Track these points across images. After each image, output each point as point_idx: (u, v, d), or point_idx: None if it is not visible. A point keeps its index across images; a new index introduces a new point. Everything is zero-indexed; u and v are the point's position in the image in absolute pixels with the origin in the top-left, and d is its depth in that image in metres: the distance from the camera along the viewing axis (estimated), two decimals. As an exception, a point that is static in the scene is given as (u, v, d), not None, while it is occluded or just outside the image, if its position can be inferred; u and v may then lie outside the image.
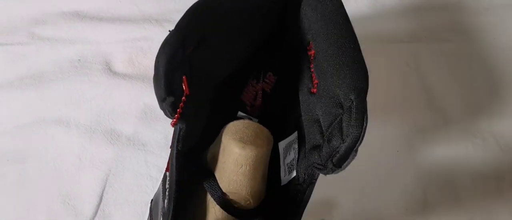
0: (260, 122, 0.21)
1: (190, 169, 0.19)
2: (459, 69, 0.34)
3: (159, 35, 0.32)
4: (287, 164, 0.21)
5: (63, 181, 0.27)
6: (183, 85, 0.15)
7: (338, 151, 0.15)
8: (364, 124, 0.14)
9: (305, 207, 0.19)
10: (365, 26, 0.34)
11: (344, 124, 0.15)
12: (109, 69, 0.32)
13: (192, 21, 0.15)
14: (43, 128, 0.29)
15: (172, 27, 0.31)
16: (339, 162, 0.15)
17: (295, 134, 0.21)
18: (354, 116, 0.14)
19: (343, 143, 0.15)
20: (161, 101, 0.14)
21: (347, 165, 0.15)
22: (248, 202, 0.19)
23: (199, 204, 0.20)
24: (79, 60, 0.32)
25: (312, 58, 0.17)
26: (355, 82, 0.15)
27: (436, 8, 0.38)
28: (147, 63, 0.32)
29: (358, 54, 0.15)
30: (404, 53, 0.35)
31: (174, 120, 0.15)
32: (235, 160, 0.18)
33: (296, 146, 0.21)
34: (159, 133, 0.29)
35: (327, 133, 0.16)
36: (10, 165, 0.27)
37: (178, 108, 0.15)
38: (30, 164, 0.27)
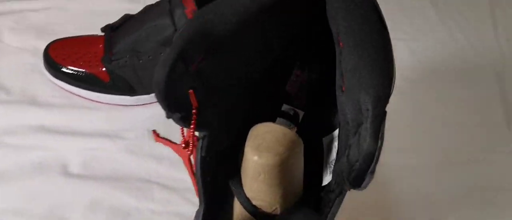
0: (306, 114, 0.20)
1: (223, 170, 0.19)
2: None
3: (112, 146, 0.43)
4: (328, 163, 0.19)
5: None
6: (190, 99, 0.14)
7: (354, 169, 0.14)
8: (379, 142, 0.13)
9: None
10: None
11: (360, 139, 0.13)
12: (65, 171, 0.41)
13: (191, 35, 0.14)
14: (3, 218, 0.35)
15: (121, 142, 0.43)
16: (355, 181, 0.14)
17: (337, 131, 0.19)
18: (368, 130, 0.13)
19: (357, 162, 0.13)
20: (169, 117, 0.14)
21: (365, 186, 0.14)
22: (274, 208, 0.18)
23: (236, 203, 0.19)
24: (39, 163, 0.41)
25: (340, 51, 0.15)
26: (373, 88, 0.13)
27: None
28: (98, 166, 0.42)
29: (381, 53, 0.13)
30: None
31: (191, 130, 0.15)
32: (253, 168, 0.17)
33: (336, 144, 0.19)
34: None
35: (349, 143, 0.15)
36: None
37: (191, 121, 0.15)
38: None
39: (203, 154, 0.17)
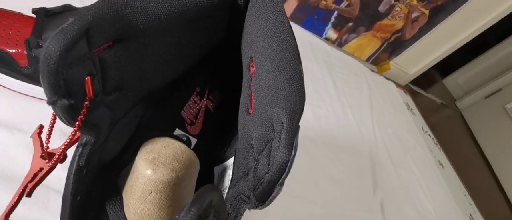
0: (198, 142, 0.18)
1: (99, 188, 0.16)
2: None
3: (8, 139, 0.37)
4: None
5: None
6: (86, 86, 0.12)
7: (261, 182, 0.13)
8: (293, 152, 0.12)
9: None
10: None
11: (272, 151, 0.13)
12: None
13: (106, 12, 0.12)
14: None
15: (20, 135, 0.37)
16: (261, 195, 0.13)
17: (231, 160, 0.18)
18: (282, 141, 0.12)
19: (267, 173, 0.13)
20: (51, 103, 0.12)
21: (271, 200, 0.13)
22: None
23: None
24: None
25: (253, 75, 0.15)
26: (289, 103, 0.13)
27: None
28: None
29: (297, 74, 0.14)
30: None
31: (75, 128, 0.12)
32: (144, 185, 0.15)
33: (230, 173, 0.18)
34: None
35: (256, 159, 0.14)
36: None
37: (79, 115, 0.12)
38: None
39: (81, 164, 0.14)
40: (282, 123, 0.13)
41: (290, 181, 0.58)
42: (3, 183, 0.34)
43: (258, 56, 0.15)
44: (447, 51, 1.28)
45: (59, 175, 0.37)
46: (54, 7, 0.41)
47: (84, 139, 0.14)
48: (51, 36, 0.11)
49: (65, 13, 0.40)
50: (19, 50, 0.38)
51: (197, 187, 0.17)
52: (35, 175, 0.18)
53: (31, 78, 0.39)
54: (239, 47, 0.17)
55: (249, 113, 0.16)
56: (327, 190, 0.63)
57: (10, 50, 0.38)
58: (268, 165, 0.13)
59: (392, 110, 1.08)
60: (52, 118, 0.14)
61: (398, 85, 1.26)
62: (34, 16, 0.40)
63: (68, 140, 0.14)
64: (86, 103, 0.12)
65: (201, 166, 0.17)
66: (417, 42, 1.22)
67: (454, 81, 2.01)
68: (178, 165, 0.15)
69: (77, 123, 0.12)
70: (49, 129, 0.15)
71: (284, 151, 0.12)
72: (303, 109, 0.14)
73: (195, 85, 0.20)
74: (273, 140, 0.13)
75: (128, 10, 0.13)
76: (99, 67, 0.13)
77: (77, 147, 0.14)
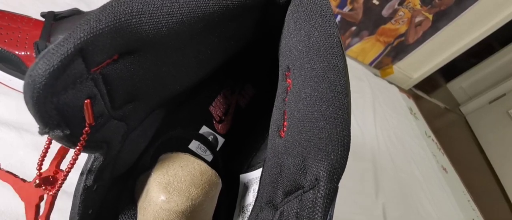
0: (226, 142, 0.16)
1: (114, 197, 0.15)
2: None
3: (16, 140, 0.38)
4: (242, 206, 0.15)
5: None
6: (85, 111, 0.10)
7: None
8: None
9: None
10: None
11: (303, 210, 0.10)
12: None
13: (104, 28, 0.10)
14: None
15: (29, 136, 0.38)
16: None
17: (259, 172, 0.15)
18: (318, 209, 0.10)
19: None
20: (42, 134, 0.10)
21: None
22: None
23: None
24: None
25: (289, 88, 0.13)
26: (329, 155, 0.11)
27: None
28: (-9, 159, 0.35)
29: (343, 114, 0.11)
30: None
31: (76, 151, 0.11)
32: (156, 212, 0.13)
33: (256, 188, 0.15)
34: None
35: (284, 201, 0.12)
36: None
37: (79, 141, 0.10)
38: None
39: (88, 184, 0.13)
40: (317, 179, 0.11)
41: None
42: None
43: (296, 71, 0.12)
44: (451, 55, 1.28)
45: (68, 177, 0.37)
46: (62, 11, 0.42)
47: (92, 159, 0.12)
48: (36, 60, 0.10)
49: (73, 17, 0.41)
50: (28, 53, 0.39)
51: (220, 200, 0.15)
52: (37, 206, 0.15)
53: (39, 80, 0.40)
54: (276, 48, 0.14)
55: (281, 136, 0.13)
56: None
57: (19, 53, 0.39)
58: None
59: (395, 114, 1.08)
60: (47, 143, 0.12)
61: (401, 89, 1.26)
62: (43, 19, 0.41)
63: (69, 165, 0.12)
64: (86, 129, 0.11)
65: (226, 168, 0.16)
66: (420, 46, 1.22)
67: (458, 85, 2.01)
68: (195, 191, 0.13)
69: (77, 148, 0.11)
70: (43, 154, 0.13)
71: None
72: (345, 165, 0.11)
73: (226, 78, 0.17)
74: (304, 193, 0.11)
75: (134, 21, 0.10)
76: (103, 85, 0.11)
77: (81, 172, 0.13)
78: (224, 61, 0.15)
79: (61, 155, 0.13)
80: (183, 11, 0.11)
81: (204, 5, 0.11)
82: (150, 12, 0.11)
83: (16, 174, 0.17)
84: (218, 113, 0.18)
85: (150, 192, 0.14)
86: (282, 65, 0.14)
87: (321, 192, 0.10)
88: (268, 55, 0.16)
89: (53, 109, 0.09)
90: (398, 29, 1.14)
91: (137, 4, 0.10)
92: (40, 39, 0.39)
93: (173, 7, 0.11)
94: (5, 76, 0.40)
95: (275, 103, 0.15)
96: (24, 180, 0.17)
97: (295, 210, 0.11)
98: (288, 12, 0.12)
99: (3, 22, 0.39)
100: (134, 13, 0.10)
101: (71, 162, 0.12)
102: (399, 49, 1.22)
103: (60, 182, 0.13)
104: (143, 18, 0.11)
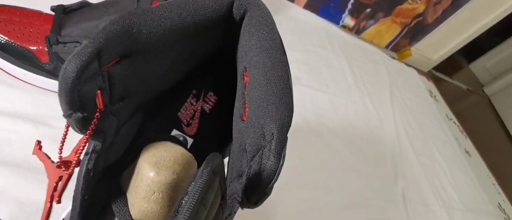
0: (195, 143, 0.20)
1: (103, 187, 0.18)
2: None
3: (32, 132, 0.38)
4: None
5: None
6: (97, 99, 0.14)
7: (253, 186, 0.15)
8: (281, 161, 0.14)
9: None
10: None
11: (263, 158, 0.14)
12: (-34, 150, 0.34)
13: (115, 34, 0.13)
14: None
15: (45, 129, 0.39)
16: (253, 198, 0.15)
17: (225, 160, 0.19)
18: (272, 151, 0.14)
19: (258, 179, 0.14)
20: (67, 116, 0.13)
21: (262, 202, 0.15)
22: None
23: None
24: None
25: (246, 84, 0.17)
26: (279, 116, 0.14)
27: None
28: (11, 151, 0.36)
29: (286, 89, 0.15)
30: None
31: (86, 136, 0.14)
32: (148, 186, 0.16)
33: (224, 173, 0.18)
34: (5, 212, 0.32)
35: (249, 164, 0.15)
36: None
37: (90, 125, 0.14)
38: None
39: (89, 167, 0.15)
40: (273, 134, 0.14)
41: (308, 171, 0.58)
42: (32, 175, 0.36)
43: (252, 69, 0.16)
44: (473, 34, 1.23)
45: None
46: (71, 4, 0.42)
47: (93, 145, 0.15)
48: (69, 59, 0.13)
49: (82, 10, 0.41)
50: (40, 47, 0.40)
51: None
52: (57, 183, 0.20)
53: (52, 74, 0.41)
54: (234, 55, 0.19)
55: (243, 120, 0.17)
56: (346, 180, 0.63)
57: (32, 48, 0.40)
58: (259, 171, 0.14)
59: (414, 97, 1.05)
60: (65, 130, 0.16)
61: (420, 71, 1.22)
62: (53, 13, 0.41)
63: (81, 148, 0.15)
64: (97, 114, 0.14)
65: (198, 164, 0.19)
66: (440, 26, 1.17)
67: (481, 65, 1.92)
68: (178, 167, 0.17)
69: (88, 132, 0.14)
70: (62, 140, 0.17)
71: (273, 160, 0.14)
72: (291, 122, 0.15)
73: (192, 88, 0.21)
74: (264, 148, 0.15)
75: (134, 30, 0.14)
76: (107, 81, 0.14)
77: (86, 153, 0.16)
78: (190, 70, 0.19)
79: (80, 146, 0.16)
80: (168, 24, 0.15)
81: (184, 19, 0.15)
82: (147, 23, 0.15)
83: (47, 158, 0.22)
84: (186, 118, 0.22)
85: (141, 171, 0.17)
86: (239, 67, 0.18)
87: (274, 140, 0.14)
88: (225, 65, 0.20)
89: (77, 96, 0.12)
90: (416, 9, 1.10)
91: (137, 19, 0.14)
92: (51, 33, 0.39)
93: (161, 22, 0.15)
94: (20, 71, 0.41)
95: (236, 99, 0.19)
96: (52, 162, 0.20)
97: (257, 163, 0.14)
98: (243, 25, 0.17)
99: (15, 17, 0.40)
100: (135, 25, 0.14)
101: (82, 144, 0.15)
102: (417, 30, 1.18)
103: (74, 164, 0.16)
104: (141, 28, 0.14)
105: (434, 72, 1.40)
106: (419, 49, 1.24)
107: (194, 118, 0.22)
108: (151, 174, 0.16)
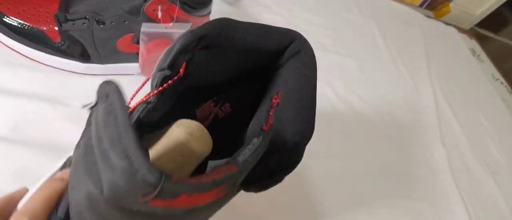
0: None
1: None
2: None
3: (51, 112, 0.38)
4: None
5: None
6: (181, 68, 0.17)
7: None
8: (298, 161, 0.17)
9: None
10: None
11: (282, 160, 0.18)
12: (-11, 132, 0.35)
13: (213, 29, 0.17)
14: None
15: (62, 108, 0.39)
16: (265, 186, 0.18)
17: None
18: (293, 157, 0.17)
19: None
20: (159, 70, 0.17)
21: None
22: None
23: None
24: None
25: (275, 105, 0.19)
26: (304, 130, 0.18)
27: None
28: (31, 131, 0.37)
29: (313, 114, 0.19)
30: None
31: (155, 92, 0.17)
32: (176, 147, 0.18)
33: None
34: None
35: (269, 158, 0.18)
36: None
37: (165, 84, 0.17)
38: None
39: (141, 116, 0.18)
40: (295, 142, 0.18)
41: (338, 141, 0.55)
42: (52, 154, 0.36)
43: (286, 94, 0.19)
44: (523, -18, 1.08)
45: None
46: (77, -20, 0.41)
47: (150, 100, 0.18)
48: (185, 33, 0.17)
49: (88, -16, 0.40)
50: (50, 26, 0.39)
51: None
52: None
53: (65, 53, 0.41)
54: (265, 79, 0.22)
55: (263, 130, 0.20)
56: (380, 149, 0.59)
57: (43, 28, 0.39)
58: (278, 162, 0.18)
59: (454, 58, 0.96)
60: (144, 82, 0.20)
61: (460, 29, 1.11)
62: (60, -10, 0.40)
63: (156, 91, 0.18)
64: (175, 78, 0.17)
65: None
66: (482, -24, 1.05)
67: (533, 20, 1.72)
68: (205, 146, 0.19)
69: (160, 88, 0.17)
70: (136, 91, 0.21)
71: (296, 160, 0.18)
72: (310, 138, 0.18)
73: (214, 94, 0.24)
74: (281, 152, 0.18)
75: (231, 30, 0.18)
76: (190, 60, 0.17)
77: (141, 105, 0.18)
78: (233, 76, 0.22)
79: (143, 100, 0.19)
80: (252, 40, 0.18)
81: (261, 40, 0.19)
82: (240, 31, 0.18)
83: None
84: (201, 116, 0.24)
85: (173, 134, 0.18)
86: (272, 91, 0.20)
87: (298, 144, 0.18)
88: (250, 84, 0.23)
89: (174, 60, 0.16)
90: (454, -40, 0.98)
91: (238, 24, 0.18)
92: (59, 11, 0.38)
93: (249, 34, 0.18)
94: (34, 52, 0.40)
95: (256, 116, 0.21)
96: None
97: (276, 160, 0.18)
98: (292, 60, 0.19)
99: (24, -2, 0.40)
100: (234, 28, 0.18)
101: (160, 88, 0.18)
102: (456, -16, 1.06)
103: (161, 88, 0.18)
104: (238, 31, 0.18)
105: (477, 29, 1.27)
106: (459, 5, 1.12)
107: (207, 119, 0.24)
108: (184, 139, 0.18)
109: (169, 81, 0.17)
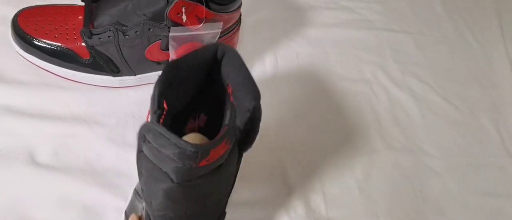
0: None
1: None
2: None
3: (87, 133, 0.38)
4: None
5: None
6: (164, 105, 0.22)
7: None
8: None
9: None
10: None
11: (248, 122, 0.23)
12: (32, 160, 0.35)
13: (169, 72, 0.22)
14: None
15: (99, 128, 0.37)
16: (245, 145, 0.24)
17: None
18: (256, 114, 0.23)
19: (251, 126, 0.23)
20: (153, 112, 0.21)
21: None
22: None
23: None
24: (2, 149, 0.35)
25: (231, 91, 0.25)
26: (254, 95, 0.23)
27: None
28: (71, 156, 0.36)
29: (253, 83, 0.24)
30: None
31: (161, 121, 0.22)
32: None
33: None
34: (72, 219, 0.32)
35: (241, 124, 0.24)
36: None
37: (160, 118, 0.21)
38: None
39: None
40: (253, 104, 0.23)
41: (393, 129, 0.48)
42: (93, 179, 0.35)
43: (233, 81, 0.24)
44: None
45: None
46: (99, -10, 0.39)
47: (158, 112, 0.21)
48: (155, 84, 0.21)
49: (111, -5, 0.38)
50: (78, 43, 0.37)
51: None
52: None
53: (97, 69, 0.39)
54: (217, 82, 0.26)
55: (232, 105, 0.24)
56: (444, 136, 0.50)
57: (71, 45, 0.38)
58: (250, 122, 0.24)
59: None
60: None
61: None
62: (83, 4, 0.38)
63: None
64: (164, 112, 0.21)
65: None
66: None
67: None
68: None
69: (160, 120, 0.21)
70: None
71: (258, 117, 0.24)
72: (260, 96, 0.23)
73: (189, 114, 0.29)
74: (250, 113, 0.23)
75: (176, 69, 0.23)
76: (166, 97, 0.22)
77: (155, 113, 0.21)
78: (194, 96, 0.28)
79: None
80: (193, 64, 0.25)
81: (196, 62, 0.25)
82: (182, 68, 0.24)
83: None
84: (190, 132, 0.26)
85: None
86: (225, 86, 0.26)
87: (255, 105, 0.23)
88: (209, 94, 0.28)
89: (159, 102, 0.21)
90: None
91: (177, 63, 0.23)
92: (84, 27, 0.37)
93: (187, 63, 0.24)
94: (68, 72, 0.40)
95: (225, 106, 0.25)
96: None
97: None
98: (223, 61, 0.25)
99: (50, 17, 0.38)
100: (176, 65, 0.23)
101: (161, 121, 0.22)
102: None
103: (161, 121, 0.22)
104: (178, 68, 0.23)
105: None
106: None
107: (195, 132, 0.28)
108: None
109: (162, 116, 0.21)
